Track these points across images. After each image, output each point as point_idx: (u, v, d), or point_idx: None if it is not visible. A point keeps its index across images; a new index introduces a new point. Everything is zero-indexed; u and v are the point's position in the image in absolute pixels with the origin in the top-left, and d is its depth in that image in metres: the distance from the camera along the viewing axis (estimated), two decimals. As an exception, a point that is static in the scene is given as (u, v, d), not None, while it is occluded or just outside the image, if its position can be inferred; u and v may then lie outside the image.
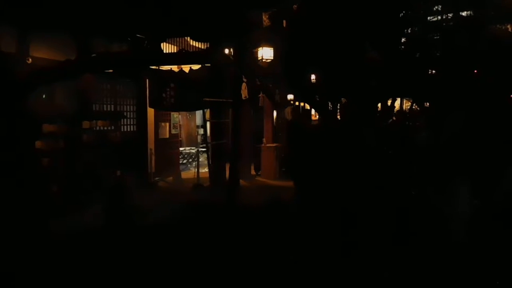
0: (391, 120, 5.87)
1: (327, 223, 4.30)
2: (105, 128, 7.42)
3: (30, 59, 5.73)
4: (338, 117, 6.44)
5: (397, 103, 10.80)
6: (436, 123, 4.22)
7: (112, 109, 7.70)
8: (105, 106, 7.54)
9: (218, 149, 7.76)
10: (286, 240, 4.34)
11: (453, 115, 3.98)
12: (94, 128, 7.11)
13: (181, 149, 10.61)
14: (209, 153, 7.83)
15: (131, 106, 8.21)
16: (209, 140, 8.15)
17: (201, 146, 11.51)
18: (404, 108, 11.06)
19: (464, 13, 6.16)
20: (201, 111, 8.33)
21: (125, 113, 8.09)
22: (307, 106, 12.62)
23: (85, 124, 6.87)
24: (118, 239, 4.62)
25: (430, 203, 3.83)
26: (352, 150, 4.35)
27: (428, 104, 6.45)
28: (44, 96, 6.12)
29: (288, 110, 9.45)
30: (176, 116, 9.74)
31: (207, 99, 7.35)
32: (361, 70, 5.59)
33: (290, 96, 12.06)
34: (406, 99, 11.03)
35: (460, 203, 3.60)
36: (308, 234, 4.29)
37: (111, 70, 6.78)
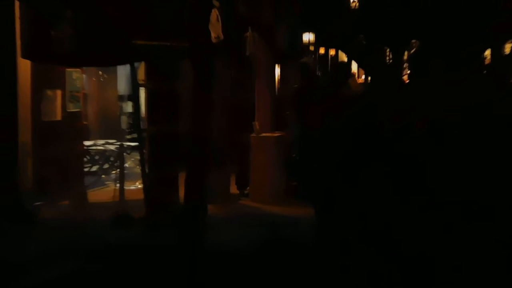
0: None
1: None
2: None
3: None
4: (405, 79, 6.49)
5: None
6: None
7: None
8: None
9: (164, 142, 7.77)
10: None
11: None
12: None
13: (87, 143, 10.58)
14: (145, 151, 7.83)
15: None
16: (144, 124, 8.13)
17: (128, 137, 11.48)
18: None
19: None
20: (127, 66, 8.30)
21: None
22: (343, 57, 12.72)
23: None
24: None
25: None
26: (433, 153, 4.46)
27: None
28: None
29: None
30: (77, 77, 9.70)
31: (141, 43, 7.34)
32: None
33: (307, 37, 12.10)
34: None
35: None
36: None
37: None
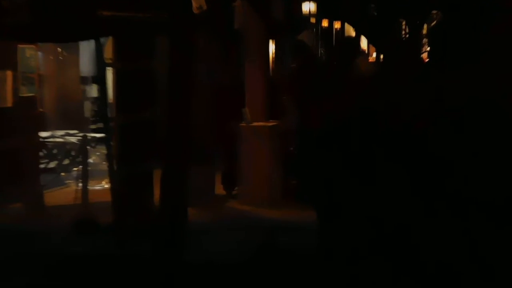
0: None
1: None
2: None
3: None
4: (424, 57, 6.53)
5: None
6: None
7: None
8: None
9: (136, 133, 7.76)
10: None
11: None
12: None
13: (44, 135, 10.55)
14: (113, 143, 7.83)
15: None
16: (112, 112, 8.11)
17: (93, 127, 11.46)
18: None
19: None
20: (92, 42, 8.28)
21: None
22: (350, 31, 12.73)
23: None
24: None
25: None
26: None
27: None
28: None
29: (302, 39, 9.48)
30: (31, 55, 9.67)
31: (107, 14, 7.32)
32: None
33: (307, 7, 12.09)
34: None
35: None
36: None
37: None
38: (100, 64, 8.12)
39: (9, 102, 9.27)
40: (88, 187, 8.85)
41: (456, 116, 4.57)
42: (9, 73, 9.27)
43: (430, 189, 4.52)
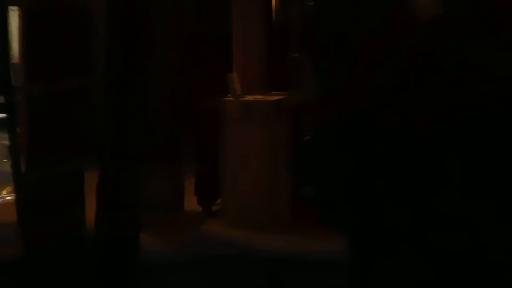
0: None
1: None
2: None
3: None
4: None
5: None
6: None
7: None
8: None
9: (56, 115, 7.75)
10: None
11: None
12: None
13: None
14: (20, 129, 7.85)
15: None
16: (17, 79, 8.12)
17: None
18: None
19: None
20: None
21: None
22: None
23: None
24: None
25: None
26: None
27: None
28: None
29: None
30: None
31: None
32: None
33: None
34: None
35: None
36: None
37: None
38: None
39: None
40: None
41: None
42: None
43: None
